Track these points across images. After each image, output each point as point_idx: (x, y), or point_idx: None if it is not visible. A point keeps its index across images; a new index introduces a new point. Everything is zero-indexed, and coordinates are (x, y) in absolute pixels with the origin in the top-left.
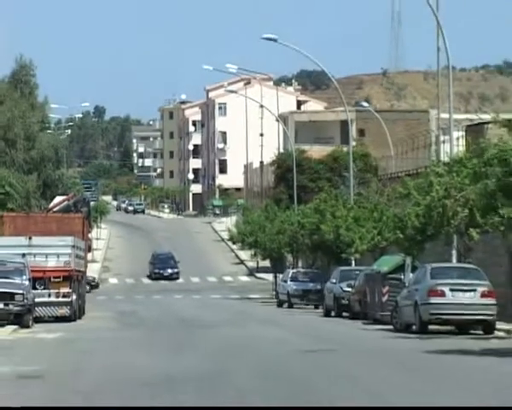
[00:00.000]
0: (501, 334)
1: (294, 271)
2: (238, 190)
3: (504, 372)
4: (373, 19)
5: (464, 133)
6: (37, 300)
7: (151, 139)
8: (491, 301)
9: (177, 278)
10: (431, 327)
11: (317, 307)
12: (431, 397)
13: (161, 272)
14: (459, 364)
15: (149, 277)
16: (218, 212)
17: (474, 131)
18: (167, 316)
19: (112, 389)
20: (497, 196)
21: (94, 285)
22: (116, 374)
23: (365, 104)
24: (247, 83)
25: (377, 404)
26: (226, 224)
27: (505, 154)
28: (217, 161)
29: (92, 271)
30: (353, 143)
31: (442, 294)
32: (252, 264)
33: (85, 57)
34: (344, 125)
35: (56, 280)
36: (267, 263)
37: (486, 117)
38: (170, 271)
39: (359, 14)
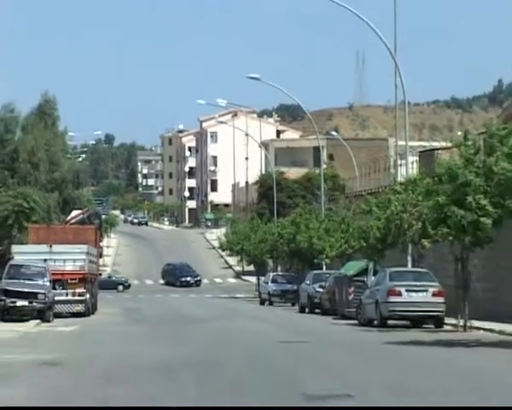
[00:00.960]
0: (449, 328)
1: (274, 274)
2: (227, 205)
3: (451, 359)
4: (341, 60)
5: (418, 158)
6: (56, 298)
7: (153, 162)
8: (441, 299)
9: (199, 285)
10: (390, 322)
11: (293, 305)
12: (387, 375)
13: (188, 279)
14: (414, 353)
15: (172, 284)
16: (209, 224)
17: (426, 156)
18: (167, 312)
19: (121, 373)
20: (446, 210)
21: (126, 286)
22: (124, 361)
23: (334, 133)
24: (235, 115)
25: (342, 386)
26: (217, 234)
27: (453, 170)
28: (209, 181)
29: (103, 273)
30: (324, 166)
31: (399, 294)
32: (238, 268)
33: (98, 93)
34: (316, 150)
35: (73, 282)
36: (251, 267)
37: (436, 144)
38: (195, 278)
39: (329, 55)
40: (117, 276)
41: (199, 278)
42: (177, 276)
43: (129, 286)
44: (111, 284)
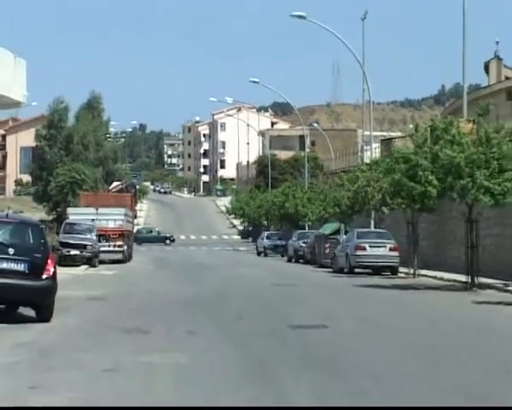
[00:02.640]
0: (402, 275)
1: (268, 232)
2: (232, 179)
3: (403, 297)
4: (321, 67)
5: (379, 145)
6: (101, 249)
7: (176, 145)
8: (396, 253)
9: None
10: (356, 270)
11: (282, 256)
12: (355, 310)
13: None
14: (374, 293)
15: None
16: (219, 193)
17: (386, 143)
18: (186, 260)
19: (151, 305)
20: (401, 184)
21: (172, 240)
22: (154, 297)
23: (315, 125)
24: (239, 110)
25: (319, 318)
26: (224, 201)
27: (407, 155)
28: (218, 161)
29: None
30: (307, 150)
31: (364, 248)
32: (240, 227)
33: (135, 91)
34: (301, 138)
35: (114, 236)
36: (251, 227)
37: (394, 134)
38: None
39: (312, 63)
40: (164, 232)
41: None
42: None
43: (173, 240)
44: (160, 239)
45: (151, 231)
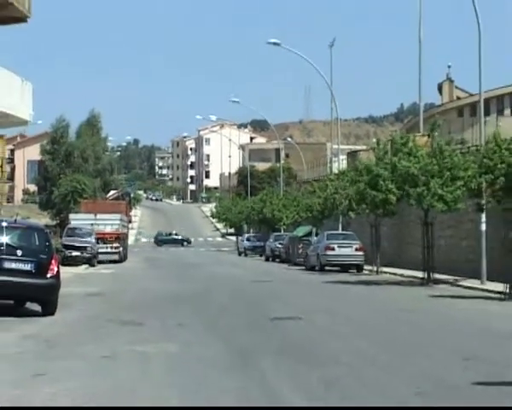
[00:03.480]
0: (366, 272)
1: (248, 235)
2: (216, 188)
3: (368, 292)
4: (293, 88)
5: (346, 157)
6: (99, 250)
7: (166, 158)
8: (361, 253)
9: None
10: (326, 268)
11: (261, 256)
12: (326, 303)
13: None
14: (342, 288)
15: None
16: (204, 201)
17: (352, 155)
18: (175, 260)
19: (144, 301)
20: (365, 193)
21: (189, 242)
22: (146, 293)
23: (289, 139)
24: (222, 126)
25: (294, 311)
26: (209, 207)
27: (369, 166)
28: (204, 172)
29: (131, 234)
30: (282, 162)
31: (333, 249)
32: (223, 230)
33: (130, 110)
34: (277, 151)
35: (111, 239)
36: (232, 230)
37: (358, 148)
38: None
39: (284, 85)
40: (181, 235)
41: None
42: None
43: (190, 242)
44: (177, 241)
45: (170, 234)
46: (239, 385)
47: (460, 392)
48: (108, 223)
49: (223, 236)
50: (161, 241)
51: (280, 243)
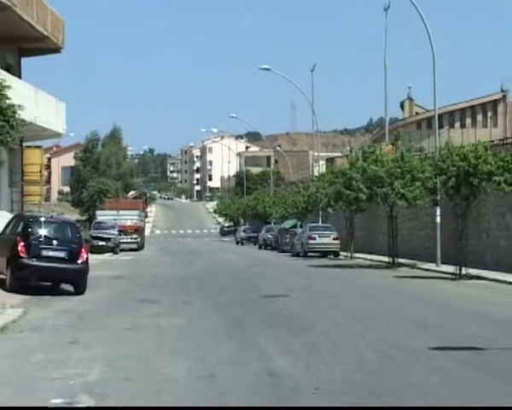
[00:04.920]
0: (342, 257)
1: (244, 227)
2: (217, 188)
3: (343, 273)
4: (281, 105)
5: (325, 162)
6: (121, 241)
7: (176, 164)
8: (338, 241)
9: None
10: (309, 254)
11: (255, 244)
12: (308, 283)
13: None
14: (322, 270)
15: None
16: (207, 199)
17: (330, 161)
18: (184, 248)
19: (158, 282)
20: (340, 192)
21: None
22: (160, 275)
23: (278, 148)
24: (222, 137)
25: (282, 289)
26: (212, 204)
27: (344, 170)
28: (207, 175)
29: (147, 227)
30: (272, 167)
31: (314, 238)
32: (227, 223)
33: (145, 122)
34: (268, 158)
35: (130, 231)
36: (231, 223)
37: (335, 155)
38: None
39: (274, 102)
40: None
41: None
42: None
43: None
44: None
45: (229, 226)
46: (235, 349)
47: (418, 355)
48: (128, 218)
49: (223, 228)
50: (224, 232)
51: (270, 234)
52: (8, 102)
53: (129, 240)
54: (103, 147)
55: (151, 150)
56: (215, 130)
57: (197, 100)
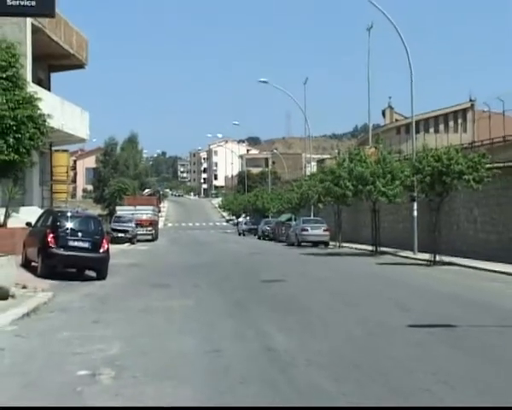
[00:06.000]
0: (331, 246)
1: (246, 220)
2: (222, 186)
3: (332, 260)
4: (277, 113)
5: (316, 163)
6: (138, 232)
7: (185, 165)
8: (328, 233)
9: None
10: (302, 244)
11: (255, 235)
12: (302, 269)
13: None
14: (314, 258)
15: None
16: (213, 196)
17: (320, 162)
18: (192, 239)
19: (169, 269)
20: (329, 189)
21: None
22: (171, 263)
23: (275, 151)
24: (226, 141)
25: (279, 275)
26: (217, 201)
27: (333, 170)
28: (213, 175)
29: (161, 221)
30: (270, 167)
31: (307, 230)
32: (228, 217)
33: (159, 128)
34: (266, 160)
35: (146, 224)
36: (234, 217)
37: (325, 157)
38: None
39: (271, 111)
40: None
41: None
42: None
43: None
44: None
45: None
46: (237, 327)
47: (398, 332)
48: (144, 213)
49: (227, 221)
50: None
51: (268, 226)
52: (39, 111)
53: (144, 232)
54: (122, 150)
55: (163, 153)
56: (220, 135)
57: (204, 109)
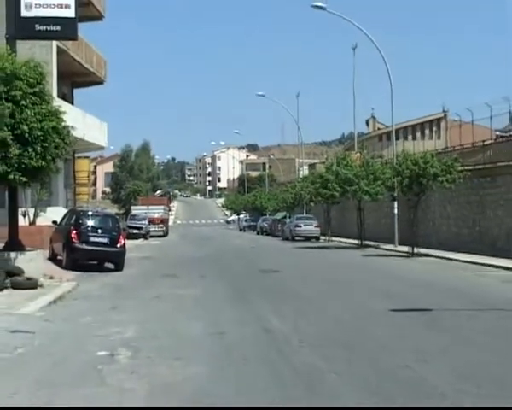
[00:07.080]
0: (322, 241)
1: (246, 217)
2: (225, 188)
3: (323, 252)
4: (274, 124)
5: (308, 167)
6: (150, 229)
7: (192, 169)
8: (318, 228)
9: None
10: (296, 239)
11: (254, 231)
12: (295, 261)
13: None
14: (306, 251)
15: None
16: (217, 196)
17: (312, 166)
18: (198, 235)
19: (178, 261)
20: (319, 190)
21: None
22: (179, 256)
23: (272, 157)
24: (228, 148)
25: (275, 266)
26: (220, 200)
27: (322, 174)
28: (217, 178)
29: (171, 219)
30: (267, 171)
31: (300, 226)
32: (229, 218)
33: (168, 136)
34: (264, 164)
35: (157, 222)
36: (236, 215)
37: (316, 161)
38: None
39: (268, 122)
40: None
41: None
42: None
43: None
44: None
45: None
46: (238, 312)
47: (381, 315)
48: (156, 211)
49: (227, 222)
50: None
51: (266, 223)
52: (63, 124)
53: (156, 228)
54: (137, 157)
55: (173, 159)
56: (222, 142)
57: (209, 119)
